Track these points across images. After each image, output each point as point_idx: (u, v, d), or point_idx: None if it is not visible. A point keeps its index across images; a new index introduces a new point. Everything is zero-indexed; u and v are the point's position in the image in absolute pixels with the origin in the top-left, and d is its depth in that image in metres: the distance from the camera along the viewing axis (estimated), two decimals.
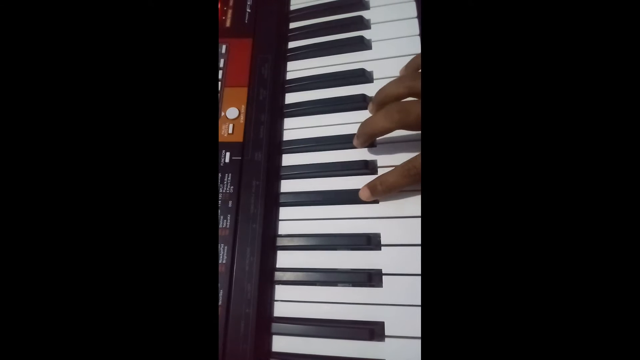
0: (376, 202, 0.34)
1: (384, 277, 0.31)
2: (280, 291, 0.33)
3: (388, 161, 0.35)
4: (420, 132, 0.33)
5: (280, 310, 0.33)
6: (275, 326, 0.32)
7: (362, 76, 0.39)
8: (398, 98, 0.32)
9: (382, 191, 0.32)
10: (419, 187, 0.32)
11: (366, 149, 0.36)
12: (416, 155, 0.31)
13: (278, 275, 0.34)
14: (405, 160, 0.34)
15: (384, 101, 0.33)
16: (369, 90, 0.38)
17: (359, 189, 0.34)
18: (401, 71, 0.38)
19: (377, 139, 0.36)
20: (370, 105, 0.36)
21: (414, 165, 0.31)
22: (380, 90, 0.34)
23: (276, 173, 0.37)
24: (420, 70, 0.34)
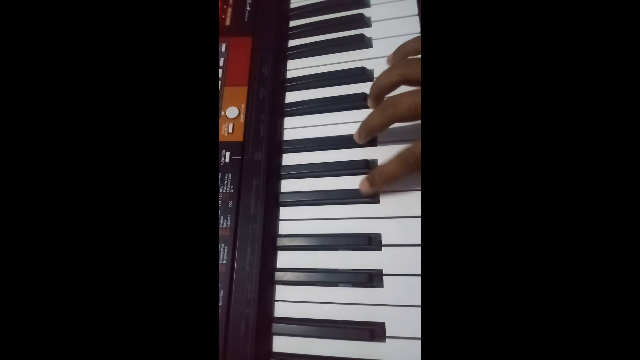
0: (377, 201, 0.33)
1: (384, 277, 0.31)
2: (280, 291, 0.33)
3: None
4: (419, 123, 0.32)
5: (280, 310, 0.33)
6: (275, 326, 0.32)
7: (362, 74, 0.39)
8: (392, 88, 0.32)
9: (380, 182, 0.32)
10: (418, 176, 0.32)
11: (367, 148, 0.36)
12: (413, 143, 0.30)
13: (278, 276, 0.33)
14: None
15: (379, 93, 0.33)
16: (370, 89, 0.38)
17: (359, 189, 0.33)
18: (388, 60, 0.37)
19: (378, 138, 0.35)
20: (368, 101, 0.36)
21: (411, 153, 0.30)
22: (374, 83, 0.33)
23: (276, 173, 0.37)
24: (409, 57, 0.34)
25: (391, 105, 0.30)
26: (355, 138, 0.35)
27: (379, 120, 0.32)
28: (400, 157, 0.31)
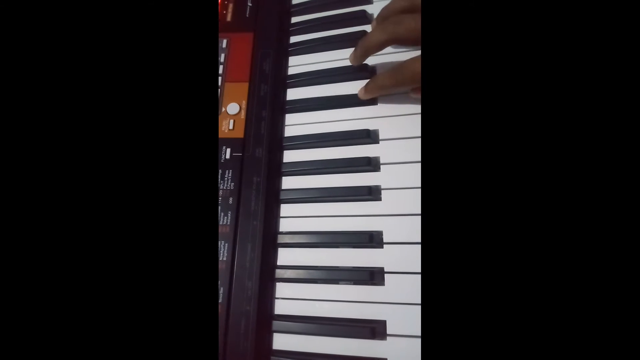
0: (379, 199, 0.33)
1: (386, 275, 0.31)
2: (281, 289, 0.33)
3: (391, 158, 0.34)
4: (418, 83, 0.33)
5: (281, 308, 0.33)
6: (276, 324, 0.32)
7: (364, 71, 0.38)
8: (381, 47, 0.32)
9: (372, 88, 0.35)
10: (406, 88, 0.34)
11: (368, 145, 0.36)
12: (406, 60, 0.31)
13: (279, 273, 0.33)
14: (407, 157, 0.34)
15: (386, 15, 0.33)
16: None
17: (361, 186, 0.34)
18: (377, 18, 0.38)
19: (380, 137, 0.35)
20: (373, 23, 0.36)
21: (405, 67, 0.31)
22: (362, 41, 0.34)
23: (277, 169, 0.37)
24: (400, 15, 0.34)
25: (393, 22, 0.30)
26: (351, 59, 0.36)
27: (378, 36, 0.31)
28: (391, 70, 0.32)
